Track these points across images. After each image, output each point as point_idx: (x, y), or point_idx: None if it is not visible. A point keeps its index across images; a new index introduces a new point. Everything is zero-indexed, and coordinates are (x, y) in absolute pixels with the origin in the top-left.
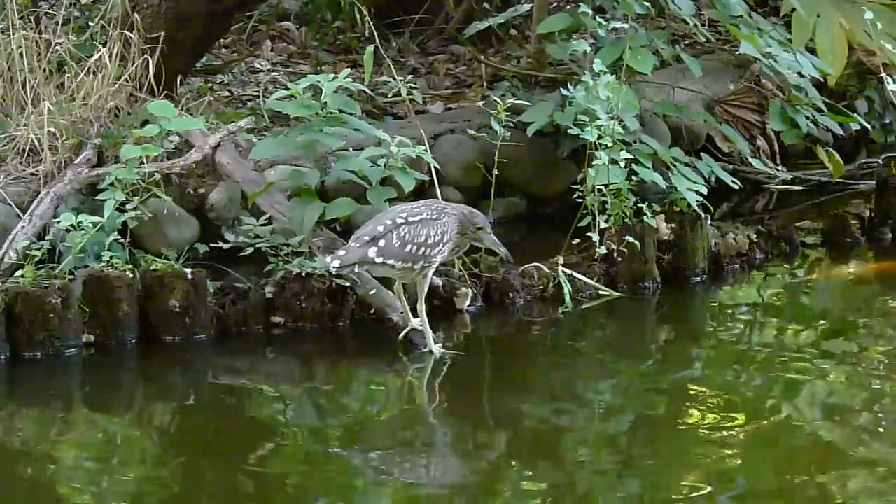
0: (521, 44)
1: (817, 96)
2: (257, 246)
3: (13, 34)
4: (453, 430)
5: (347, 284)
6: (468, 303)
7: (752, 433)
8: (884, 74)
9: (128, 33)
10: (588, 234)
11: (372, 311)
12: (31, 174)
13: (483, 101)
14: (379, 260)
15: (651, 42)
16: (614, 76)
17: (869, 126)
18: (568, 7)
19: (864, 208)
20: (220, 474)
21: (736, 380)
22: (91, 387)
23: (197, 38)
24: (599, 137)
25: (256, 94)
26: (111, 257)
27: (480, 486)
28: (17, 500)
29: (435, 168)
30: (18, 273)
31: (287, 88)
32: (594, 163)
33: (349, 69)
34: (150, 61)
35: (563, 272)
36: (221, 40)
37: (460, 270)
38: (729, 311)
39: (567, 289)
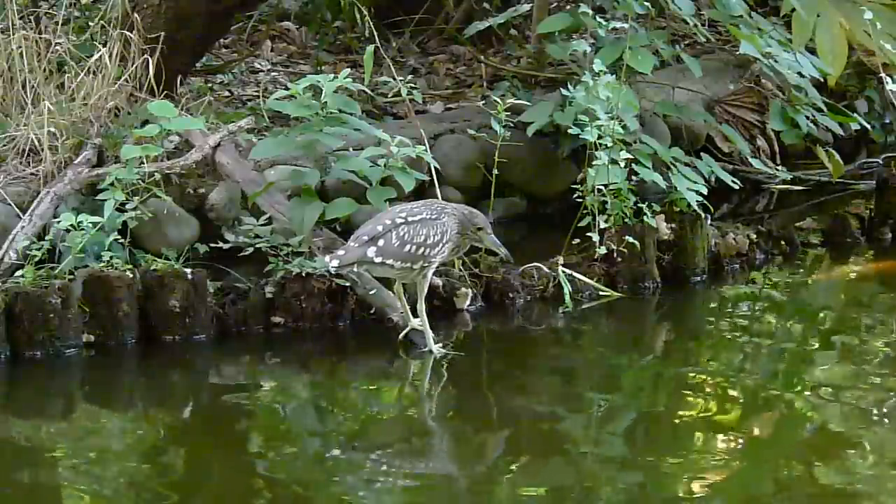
0: (521, 44)
1: (817, 96)
2: (257, 246)
3: (13, 34)
4: (453, 430)
5: (347, 284)
6: (468, 303)
7: (752, 429)
8: (884, 74)
9: (128, 33)
10: (588, 234)
11: (372, 311)
12: (31, 174)
13: (483, 101)
14: (378, 260)
15: (651, 42)
16: (614, 76)
17: (869, 126)
18: (568, 7)
19: (864, 208)
20: (220, 474)
21: (736, 378)
22: (91, 387)
23: (197, 38)
24: (599, 137)
25: (256, 94)
26: (111, 257)
27: (481, 485)
28: (17, 500)
29: (435, 168)
30: (18, 273)
31: (287, 88)
32: (594, 163)
33: (349, 69)
34: (150, 61)
35: (563, 272)
36: (221, 40)
37: (460, 270)
38: (729, 311)
39: (567, 289)
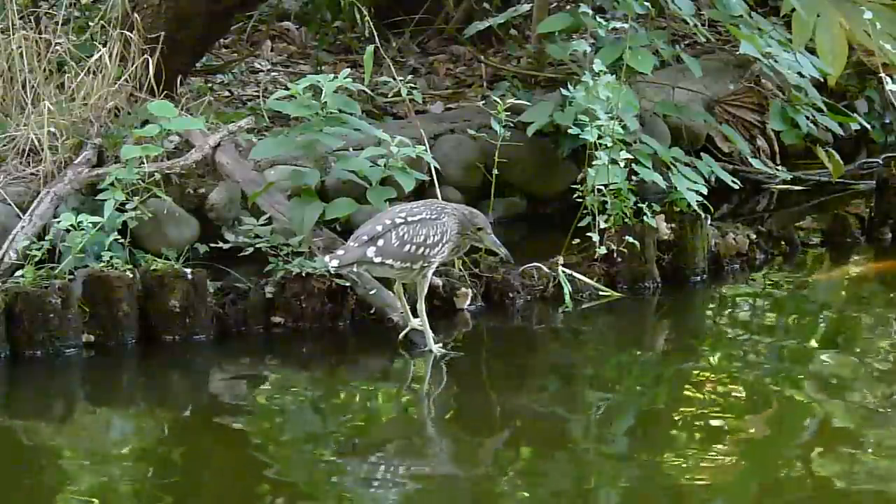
0: (521, 44)
1: (817, 96)
2: (257, 246)
3: (13, 34)
4: (453, 429)
5: (347, 284)
6: (468, 303)
7: (753, 428)
8: (884, 74)
9: (128, 33)
10: (588, 234)
11: (372, 311)
12: (31, 174)
13: (483, 101)
14: (378, 260)
15: (651, 42)
16: (614, 76)
17: (869, 126)
18: (568, 7)
19: (864, 208)
20: (219, 474)
21: (736, 377)
22: (91, 387)
23: (197, 38)
24: (599, 137)
25: (256, 94)
26: (111, 257)
27: (481, 484)
28: (17, 500)
29: (435, 168)
30: (18, 273)
31: (287, 88)
32: (594, 163)
33: (349, 69)
34: (150, 61)
35: (563, 272)
36: (221, 40)
37: (460, 270)
38: (729, 311)
39: (567, 289)
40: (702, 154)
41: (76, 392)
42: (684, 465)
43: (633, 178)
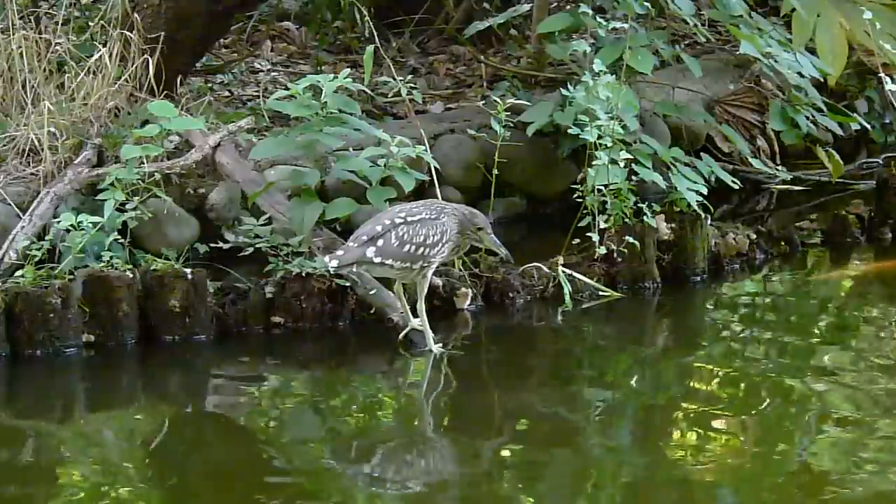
0: (521, 44)
1: (817, 96)
2: (257, 246)
3: (13, 34)
4: (453, 429)
5: (347, 284)
6: (468, 303)
7: (754, 427)
8: (884, 74)
9: (128, 33)
10: (588, 234)
11: (372, 311)
12: (31, 174)
13: (483, 101)
14: (377, 260)
15: (651, 42)
16: (614, 76)
17: (869, 126)
18: (568, 7)
19: (864, 208)
20: (219, 474)
21: (736, 376)
22: (91, 386)
23: (197, 38)
24: (599, 137)
25: (256, 94)
26: (111, 257)
27: (481, 484)
28: (17, 500)
29: (435, 168)
30: (18, 273)
31: (287, 88)
32: (594, 163)
33: (349, 69)
34: (150, 61)
35: (563, 272)
36: (221, 40)
37: (460, 270)
38: (729, 311)
39: (567, 289)
40: (702, 154)
41: (76, 392)
42: (685, 464)
43: (633, 178)
